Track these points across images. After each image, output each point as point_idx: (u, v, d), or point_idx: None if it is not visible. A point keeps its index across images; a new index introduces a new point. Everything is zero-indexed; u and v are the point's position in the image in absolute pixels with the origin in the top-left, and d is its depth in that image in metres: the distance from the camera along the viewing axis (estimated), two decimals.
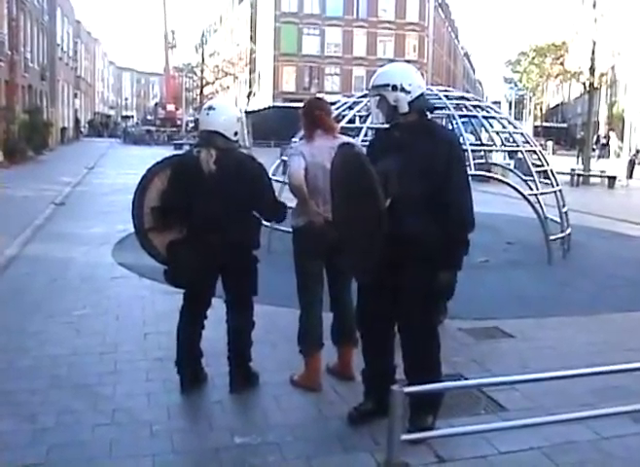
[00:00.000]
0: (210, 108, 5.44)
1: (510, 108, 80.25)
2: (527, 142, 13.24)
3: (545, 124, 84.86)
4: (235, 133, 5.41)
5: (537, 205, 11.46)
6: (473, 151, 11.73)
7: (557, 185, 12.57)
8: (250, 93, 56.02)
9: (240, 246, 5.34)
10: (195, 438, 4.77)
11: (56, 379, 5.69)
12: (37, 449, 4.48)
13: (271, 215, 5.70)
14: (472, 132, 15.09)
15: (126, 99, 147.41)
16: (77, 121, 67.98)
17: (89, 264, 10.39)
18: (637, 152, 37.53)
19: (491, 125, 13.78)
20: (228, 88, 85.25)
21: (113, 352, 6.38)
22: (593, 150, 39.77)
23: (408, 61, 76.96)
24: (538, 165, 12.98)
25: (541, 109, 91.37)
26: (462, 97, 13.57)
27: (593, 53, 32.39)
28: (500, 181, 13.18)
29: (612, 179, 28.88)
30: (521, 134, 13.56)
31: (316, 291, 5.61)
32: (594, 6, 33.93)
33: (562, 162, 33.88)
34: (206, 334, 5.61)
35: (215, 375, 5.68)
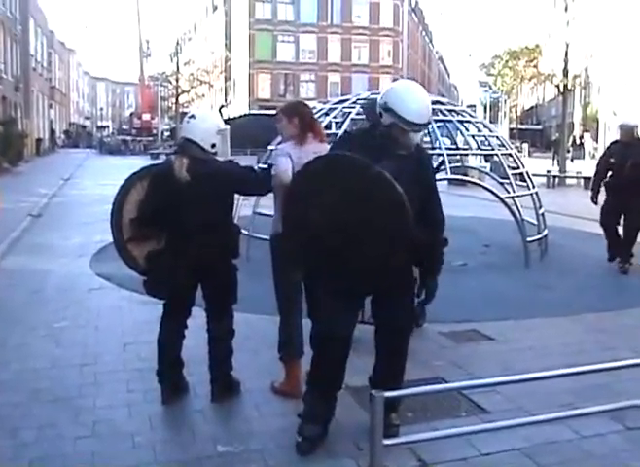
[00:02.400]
0: (192, 117, 5.43)
1: (485, 111, 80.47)
2: (503, 145, 13.32)
3: (520, 126, 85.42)
4: (213, 145, 5.37)
5: (514, 208, 11.52)
6: (449, 155, 11.78)
7: (534, 187, 12.65)
8: (222, 107, 55.85)
9: (218, 255, 5.34)
10: (178, 448, 4.76)
11: (37, 393, 5.66)
12: (19, 464, 4.47)
13: (264, 188, 5.67)
14: (447, 136, 15.16)
15: (102, 109, 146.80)
16: (52, 131, 67.65)
17: (68, 275, 10.35)
18: None
19: (467, 129, 13.86)
20: (203, 96, 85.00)
21: (93, 364, 6.36)
22: (568, 151, 40.01)
23: (383, 66, 77.66)
24: (514, 168, 13.05)
25: (516, 111, 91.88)
26: (437, 102, 13.62)
27: (566, 55, 32.63)
28: (476, 184, 13.26)
29: (588, 180, 29.02)
30: (497, 137, 13.64)
31: (296, 299, 5.62)
32: (566, 9, 34.21)
33: (538, 164, 34.03)
34: (187, 342, 5.61)
35: (196, 383, 5.68)
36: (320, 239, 4.46)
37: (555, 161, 38.17)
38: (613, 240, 11.17)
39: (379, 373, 4.94)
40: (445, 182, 19.32)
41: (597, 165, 11.66)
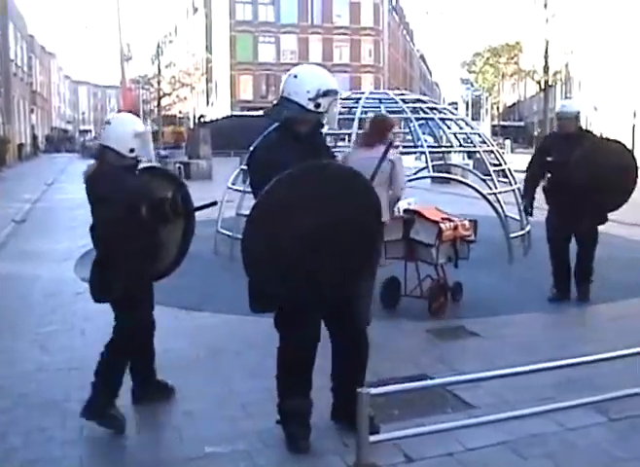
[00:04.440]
0: (107, 122, 5.35)
1: (467, 108, 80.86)
2: (484, 142, 13.39)
3: (502, 123, 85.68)
4: (131, 150, 5.19)
5: (496, 204, 11.58)
6: (431, 153, 11.83)
7: (515, 183, 12.69)
8: (201, 117, 55.57)
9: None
10: (165, 449, 4.79)
11: (24, 398, 5.67)
12: None
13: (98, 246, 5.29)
14: (430, 134, 15.24)
15: (84, 113, 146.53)
16: (34, 137, 67.35)
17: (53, 280, 10.33)
18: None
19: (448, 127, 13.93)
20: (185, 98, 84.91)
21: (80, 368, 6.34)
22: None
23: (364, 66, 77.78)
24: (496, 165, 13.12)
25: (498, 108, 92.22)
26: (418, 100, 13.71)
27: (546, 51, 32.88)
28: (459, 181, 13.32)
29: None
30: (478, 135, 13.70)
31: None
32: (545, 6, 34.52)
33: (521, 160, 34.06)
34: (172, 345, 5.63)
35: (183, 386, 5.69)
36: (299, 254, 4.34)
37: None
38: (562, 269, 8.90)
39: (343, 377, 5.00)
40: (429, 180, 19.40)
41: (530, 165, 9.09)
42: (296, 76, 4.83)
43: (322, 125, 4.97)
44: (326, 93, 4.72)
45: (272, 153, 4.72)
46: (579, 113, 8.65)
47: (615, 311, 8.37)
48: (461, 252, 8.33)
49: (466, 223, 8.38)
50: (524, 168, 8.86)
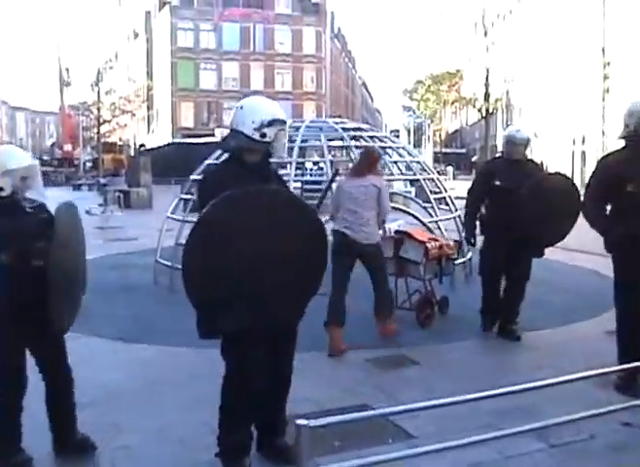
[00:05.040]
0: None
1: (409, 135, 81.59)
2: (424, 170, 13.49)
3: (444, 150, 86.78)
4: (0, 189, 4.80)
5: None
6: None
7: (456, 210, 12.78)
8: (141, 146, 54.68)
9: None
10: None
11: None
12: None
13: None
14: None
15: (21, 139, 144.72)
16: None
17: None
18: None
19: (389, 155, 14.01)
20: (125, 125, 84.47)
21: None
22: None
23: (306, 93, 78.17)
24: (437, 192, 13.22)
25: (440, 135, 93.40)
26: (358, 128, 13.77)
27: (487, 79, 33.41)
28: (400, 210, 13.38)
29: None
30: (418, 163, 13.81)
31: (344, 281, 7.70)
32: (485, 34, 35.10)
33: (463, 187, 34.49)
34: (107, 378, 5.50)
35: (119, 420, 5.57)
36: (240, 278, 4.31)
37: None
38: (494, 299, 8.56)
39: (268, 408, 5.04)
40: None
41: (471, 190, 8.70)
42: (242, 107, 4.91)
43: (270, 155, 4.95)
44: (271, 123, 4.78)
45: (221, 181, 4.71)
46: (529, 140, 8.37)
47: (554, 337, 8.42)
48: (446, 269, 9.30)
49: (451, 243, 9.44)
50: (466, 194, 8.85)
